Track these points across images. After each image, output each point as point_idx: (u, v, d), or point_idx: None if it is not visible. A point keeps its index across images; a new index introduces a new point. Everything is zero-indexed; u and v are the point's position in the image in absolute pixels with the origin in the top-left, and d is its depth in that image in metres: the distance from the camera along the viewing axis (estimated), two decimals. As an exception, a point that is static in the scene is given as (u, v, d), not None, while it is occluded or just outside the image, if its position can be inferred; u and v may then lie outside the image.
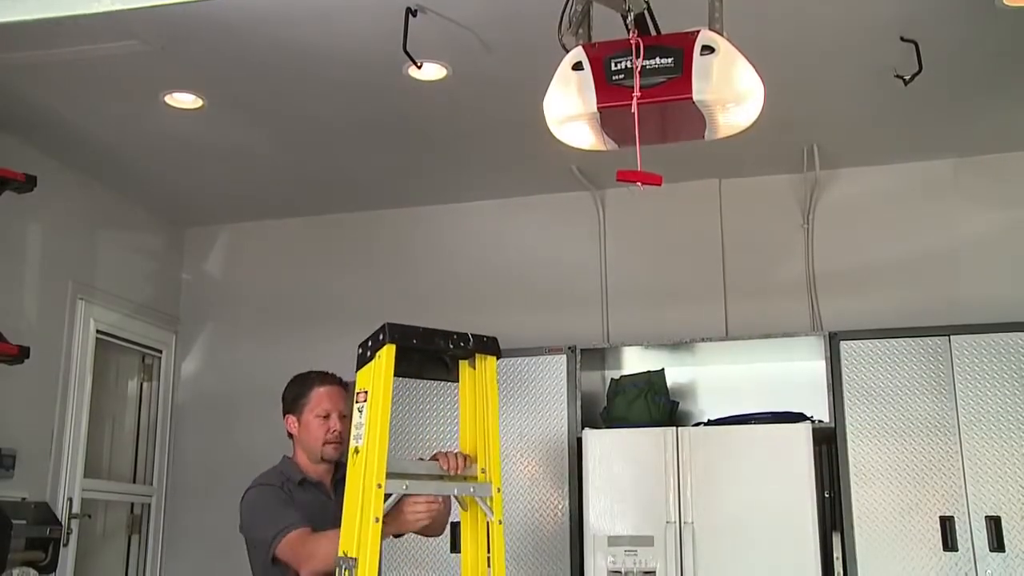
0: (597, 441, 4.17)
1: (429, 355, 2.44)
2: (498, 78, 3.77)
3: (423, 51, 3.44)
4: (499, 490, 2.38)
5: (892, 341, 4.06)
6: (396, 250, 5.27)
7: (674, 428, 4.10)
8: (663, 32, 2.18)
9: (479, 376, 2.44)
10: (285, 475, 2.81)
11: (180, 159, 4.66)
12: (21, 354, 3.88)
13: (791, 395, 4.28)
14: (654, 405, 4.25)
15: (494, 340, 2.47)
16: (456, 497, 2.41)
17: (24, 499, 4.21)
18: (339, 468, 2.77)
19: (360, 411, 2.28)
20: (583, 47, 2.20)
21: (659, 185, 2.14)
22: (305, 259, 5.41)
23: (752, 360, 4.52)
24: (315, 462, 2.83)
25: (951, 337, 4.01)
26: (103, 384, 5.05)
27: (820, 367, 4.17)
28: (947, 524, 3.81)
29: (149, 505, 5.21)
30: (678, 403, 4.45)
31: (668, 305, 4.73)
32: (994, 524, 3.77)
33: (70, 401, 4.61)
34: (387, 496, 2.21)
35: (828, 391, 4.08)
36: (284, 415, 2.91)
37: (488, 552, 2.40)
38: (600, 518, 4.04)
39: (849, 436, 4.01)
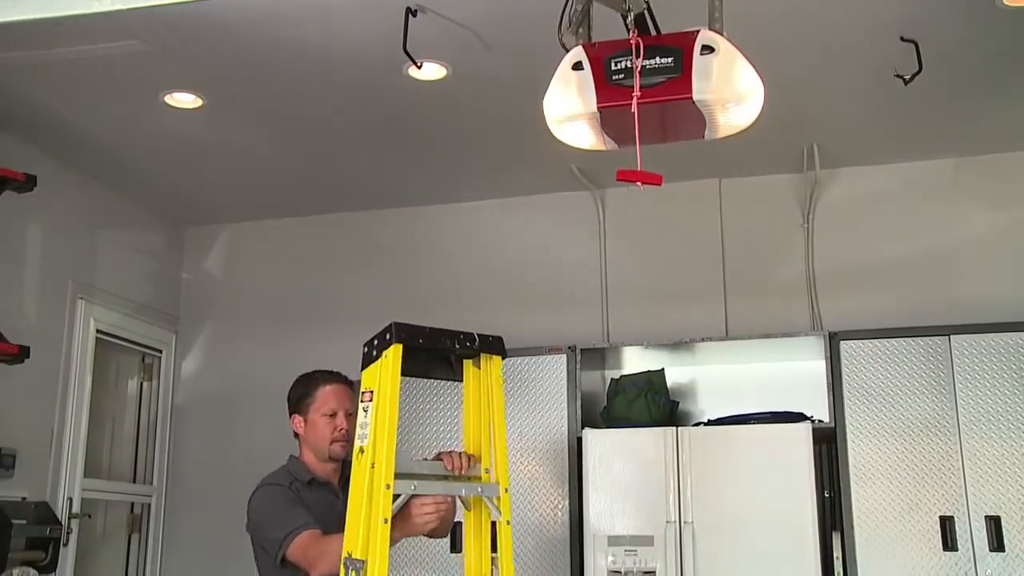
0: (597, 441, 4.17)
1: (434, 354, 2.43)
2: (498, 78, 3.77)
3: (423, 51, 3.44)
4: (507, 490, 2.37)
5: (892, 341, 4.06)
6: (396, 250, 5.27)
7: (674, 428, 4.10)
8: (663, 32, 2.18)
9: (484, 376, 2.44)
10: (293, 475, 2.80)
11: (180, 159, 4.66)
12: (21, 354, 3.89)
13: (791, 395, 4.28)
14: (654, 405, 4.25)
15: (499, 340, 2.46)
16: (460, 498, 2.40)
17: (24, 499, 4.22)
18: (346, 467, 2.77)
19: (365, 410, 2.27)
20: (583, 47, 2.20)
21: (659, 185, 2.14)
22: (305, 259, 5.41)
23: (752, 360, 4.52)
24: (322, 461, 2.82)
25: (951, 337, 4.01)
26: (103, 384, 5.05)
27: (820, 367, 4.17)
28: (947, 524, 3.81)
29: (149, 505, 5.21)
30: (678, 403, 4.45)
31: (668, 305, 4.73)
32: (994, 524, 3.77)
33: (70, 401, 4.61)
34: (395, 497, 2.20)
35: (828, 391, 4.08)
36: (290, 415, 2.90)
37: (493, 552, 2.38)
38: (600, 518, 4.04)
39: (849, 436, 4.01)
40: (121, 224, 5.12)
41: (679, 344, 4.36)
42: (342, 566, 2.18)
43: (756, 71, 2.13)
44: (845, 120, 4.27)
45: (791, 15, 3.37)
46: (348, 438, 2.73)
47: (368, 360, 2.32)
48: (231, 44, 3.54)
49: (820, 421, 4.08)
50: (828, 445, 4.10)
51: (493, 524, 2.40)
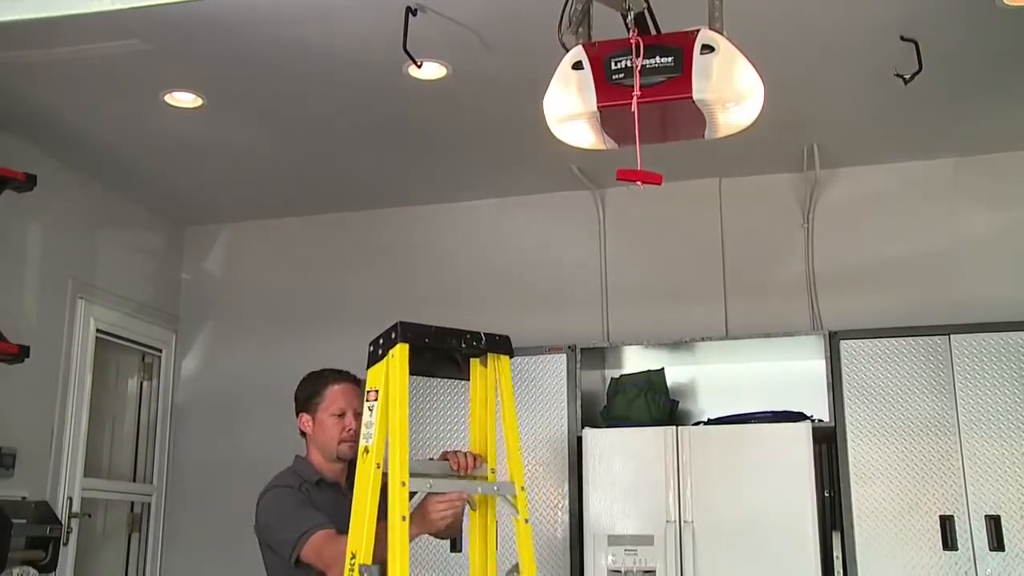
0: (597, 440, 4.17)
1: (440, 353, 2.42)
2: (498, 77, 3.77)
3: (423, 50, 3.44)
4: (523, 488, 2.36)
5: (892, 340, 4.06)
6: (396, 250, 5.27)
7: (674, 427, 4.11)
8: (663, 31, 2.18)
9: (490, 375, 2.43)
10: (301, 476, 2.77)
11: (180, 158, 4.66)
12: (21, 353, 3.89)
13: (791, 394, 4.28)
14: (654, 404, 4.25)
15: (506, 339, 2.45)
16: (468, 497, 2.39)
17: (24, 498, 4.22)
18: (353, 467, 2.75)
19: (371, 410, 2.26)
20: (583, 46, 2.20)
21: (659, 184, 2.14)
22: (305, 258, 5.41)
23: (752, 359, 4.52)
24: (330, 461, 2.80)
25: (951, 336, 4.01)
26: (103, 383, 5.05)
27: (820, 366, 4.17)
28: (947, 523, 3.82)
29: (149, 504, 5.21)
30: (678, 402, 4.45)
31: (668, 304, 4.73)
32: (994, 523, 3.77)
33: (70, 400, 4.61)
34: (410, 495, 2.19)
35: (828, 390, 4.09)
36: (297, 414, 2.86)
37: (489, 550, 2.38)
38: (600, 517, 4.04)
39: (849, 435, 4.01)
40: (121, 224, 5.12)
41: (679, 344, 4.36)
42: (357, 573, 2.16)
43: (756, 70, 2.13)
44: (845, 120, 4.27)
45: (791, 15, 3.37)
46: (356, 438, 2.70)
47: (374, 359, 2.31)
48: (231, 44, 3.54)
49: (820, 421, 4.08)
50: (828, 445, 4.10)
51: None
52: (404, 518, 2.11)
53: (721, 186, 4.83)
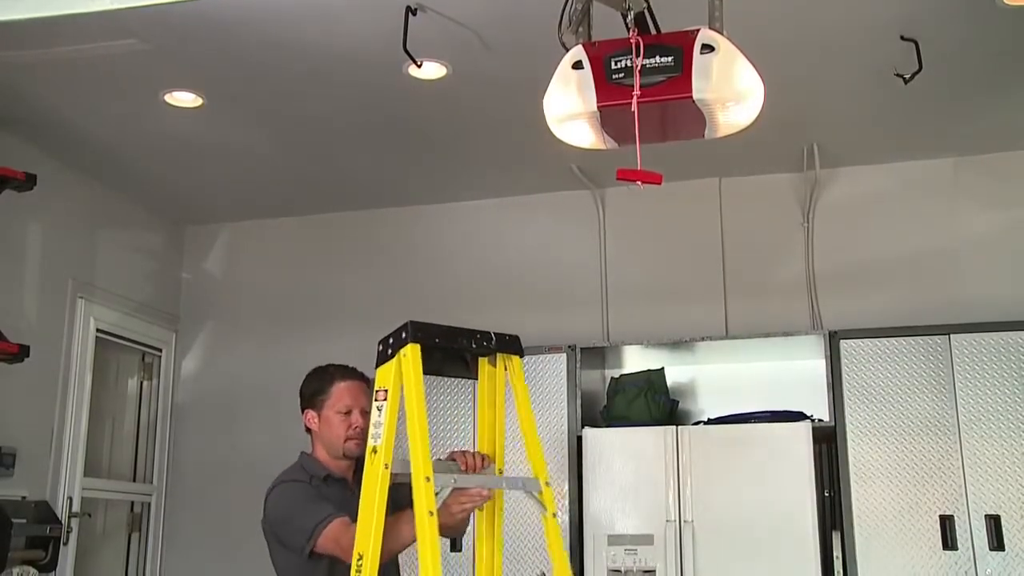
0: (597, 440, 4.17)
1: (449, 353, 2.41)
2: (498, 77, 3.77)
3: (423, 50, 3.44)
4: (547, 484, 2.36)
5: (892, 340, 4.07)
6: (396, 250, 5.27)
7: (674, 427, 4.11)
8: (663, 31, 2.18)
9: (500, 374, 2.43)
10: (309, 472, 2.75)
11: (180, 158, 4.66)
12: (21, 353, 3.89)
13: (791, 394, 4.28)
14: (654, 404, 4.25)
15: (516, 339, 2.44)
16: (490, 492, 2.38)
17: (24, 498, 4.22)
18: (359, 464, 2.73)
19: (379, 410, 2.25)
20: (583, 46, 2.20)
21: (659, 184, 2.14)
22: (305, 258, 5.41)
23: (752, 359, 4.52)
24: (336, 458, 2.77)
25: (951, 336, 4.01)
26: (103, 383, 5.05)
27: (820, 366, 4.17)
28: (947, 523, 3.82)
29: (149, 504, 5.21)
30: (678, 402, 4.45)
31: (668, 304, 4.73)
32: (994, 523, 3.77)
33: (70, 400, 4.61)
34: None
35: (828, 390, 4.08)
36: (302, 410, 2.83)
37: (496, 550, 2.38)
38: (600, 517, 4.04)
39: (849, 435, 4.01)
40: (121, 223, 5.12)
41: (679, 343, 4.36)
42: (364, 574, 2.16)
43: (756, 70, 2.13)
44: (845, 120, 4.27)
45: (791, 15, 3.37)
46: (363, 436, 2.66)
47: (383, 358, 2.29)
48: (231, 44, 3.54)
49: (820, 420, 4.08)
50: (828, 444, 4.10)
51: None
52: (432, 513, 2.09)
53: (721, 186, 4.83)
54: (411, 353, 2.21)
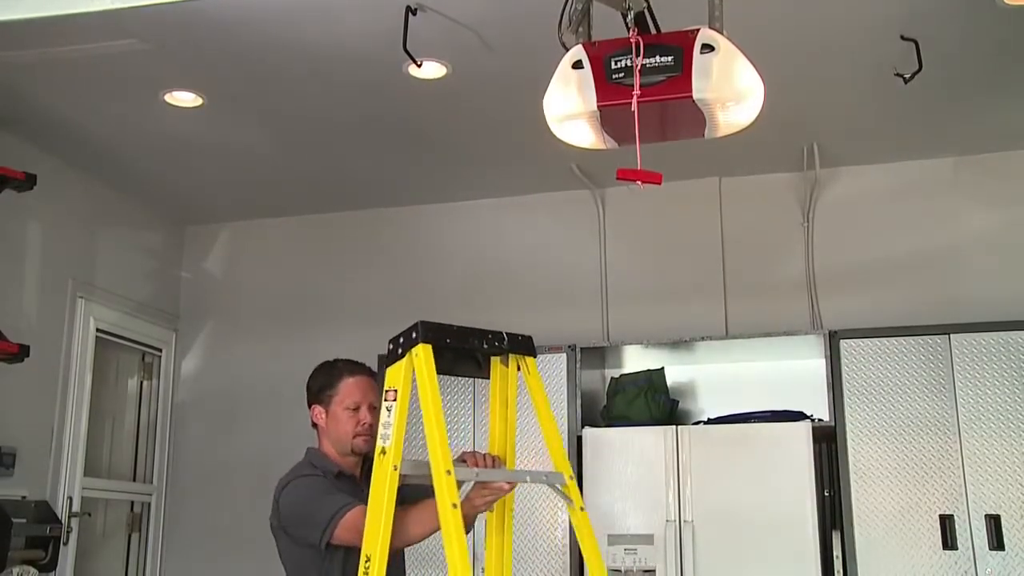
0: (597, 440, 4.18)
1: (460, 352, 2.40)
2: (498, 77, 3.77)
3: (423, 50, 3.44)
4: (572, 478, 2.35)
5: (892, 340, 4.07)
6: (396, 249, 5.27)
7: (674, 427, 4.11)
8: (663, 31, 2.18)
9: (512, 374, 2.42)
10: (320, 468, 2.71)
11: (180, 157, 4.66)
12: (21, 352, 3.89)
13: (791, 394, 4.28)
14: (654, 404, 4.25)
15: (529, 339, 2.44)
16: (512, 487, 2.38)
17: (24, 497, 4.22)
18: (366, 460, 2.69)
19: (389, 410, 2.23)
20: (583, 45, 2.20)
21: (659, 184, 2.14)
22: (305, 258, 5.41)
23: (752, 358, 4.52)
24: (344, 455, 2.73)
25: (951, 336, 4.01)
26: (103, 382, 5.05)
27: (820, 366, 4.17)
28: (947, 523, 3.82)
29: (149, 503, 5.21)
30: (678, 401, 4.45)
31: (668, 303, 4.73)
32: (994, 523, 3.77)
33: (70, 399, 4.61)
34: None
35: (828, 390, 4.09)
36: (309, 405, 2.79)
37: (506, 548, 2.39)
38: (600, 516, 4.04)
39: (849, 435, 4.01)
40: (121, 223, 5.12)
41: (679, 343, 4.36)
42: None
43: (756, 70, 2.13)
44: (845, 119, 4.27)
45: (791, 15, 3.37)
46: (372, 432, 2.63)
47: (393, 358, 2.28)
48: (231, 43, 3.54)
49: (820, 420, 4.08)
50: (828, 444, 4.10)
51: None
52: (455, 505, 2.09)
53: (721, 186, 4.83)
54: (423, 353, 2.19)
